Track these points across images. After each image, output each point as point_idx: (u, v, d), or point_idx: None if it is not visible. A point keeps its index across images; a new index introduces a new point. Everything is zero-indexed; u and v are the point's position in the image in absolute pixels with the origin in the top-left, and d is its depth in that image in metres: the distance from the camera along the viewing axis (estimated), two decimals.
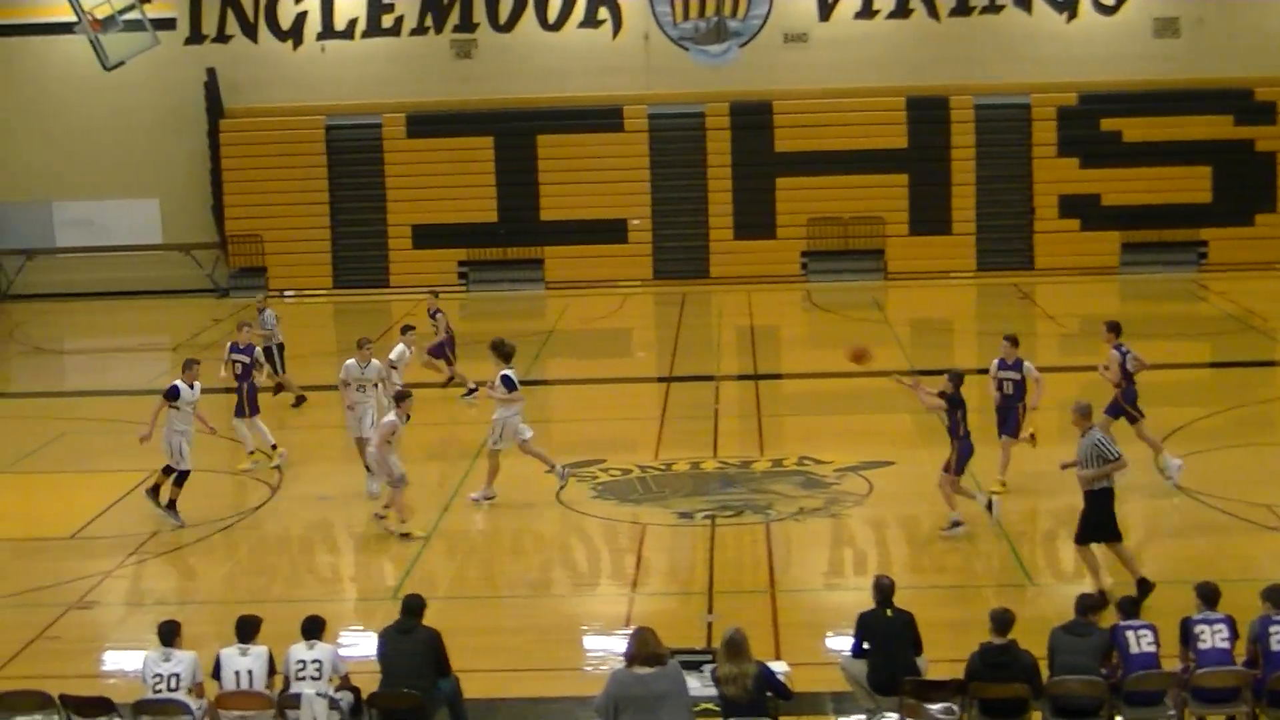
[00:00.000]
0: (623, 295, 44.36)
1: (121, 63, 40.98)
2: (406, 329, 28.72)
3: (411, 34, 46.62)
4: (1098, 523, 19.27)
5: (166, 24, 45.33)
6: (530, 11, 46.20)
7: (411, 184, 46.15)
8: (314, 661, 15.30)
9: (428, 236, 46.16)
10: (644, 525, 23.07)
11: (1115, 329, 24.36)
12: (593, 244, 45.56)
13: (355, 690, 15.49)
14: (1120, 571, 19.21)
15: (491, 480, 24.39)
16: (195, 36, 46.81)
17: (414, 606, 15.87)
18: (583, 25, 46.19)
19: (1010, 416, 23.47)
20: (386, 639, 15.77)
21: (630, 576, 21.47)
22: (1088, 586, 18.47)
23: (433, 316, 32.37)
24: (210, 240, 47.13)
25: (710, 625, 18.76)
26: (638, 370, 36.06)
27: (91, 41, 39.45)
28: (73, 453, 29.19)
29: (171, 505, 23.92)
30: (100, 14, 39.12)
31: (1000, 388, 23.70)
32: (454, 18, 46.44)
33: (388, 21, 46.63)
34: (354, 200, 46.53)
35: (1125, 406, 23.73)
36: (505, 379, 24.08)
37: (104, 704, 15.41)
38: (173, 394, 23.90)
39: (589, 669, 18.15)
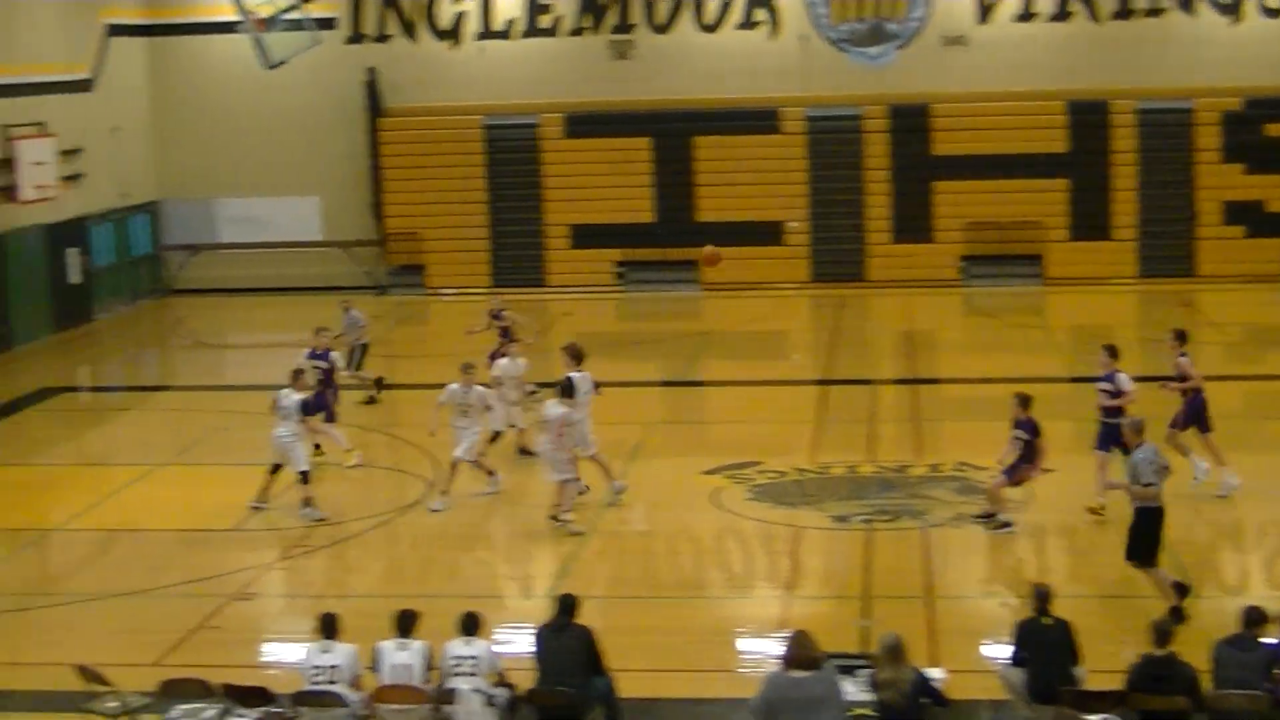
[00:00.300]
0: (779, 297, 44.25)
1: (283, 62, 41.38)
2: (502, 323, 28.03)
3: (570, 34, 46.75)
4: (1137, 542, 19.12)
5: (328, 24, 45.73)
6: (688, 12, 46.20)
7: (569, 184, 46.28)
8: (471, 657, 15.39)
9: (585, 236, 46.29)
10: (799, 528, 23.01)
11: (1182, 337, 23.95)
12: (749, 246, 45.45)
13: (511, 687, 15.57)
14: None
15: (610, 474, 24.63)
16: (356, 36, 47.25)
17: (567, 604, 15.93)
18: (740, 27, 46.11)
19: (1107, 431, 22.59)
20: (541, 637, 15.84)
21: (785, 579, 21.43)
22: (1252, 599, 18.20)
23: (497, 317, 31.31)
24: (369, 238, 47.53)
25: (865, 630, 18.67)
26: (794, 373, 35.96)
27: (254, 41, 39.86)
28: (234, 446, 29.56)
29: (308, 503, 24.25)
30: (263, 13, 39.52)
31: (1100, 400, 22.99)
32: (612, 18, 46.53)
33: (546, 22, 46.82)
34: (512, 199, 46.72)
35: (1193, 417, 23.19)
36: (565, 382, 23.99)
37: (264, 694, 15.59)
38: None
39: (743, 671, 18.11)
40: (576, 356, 24.91)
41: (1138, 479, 18.94)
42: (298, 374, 25.09)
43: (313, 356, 27.58)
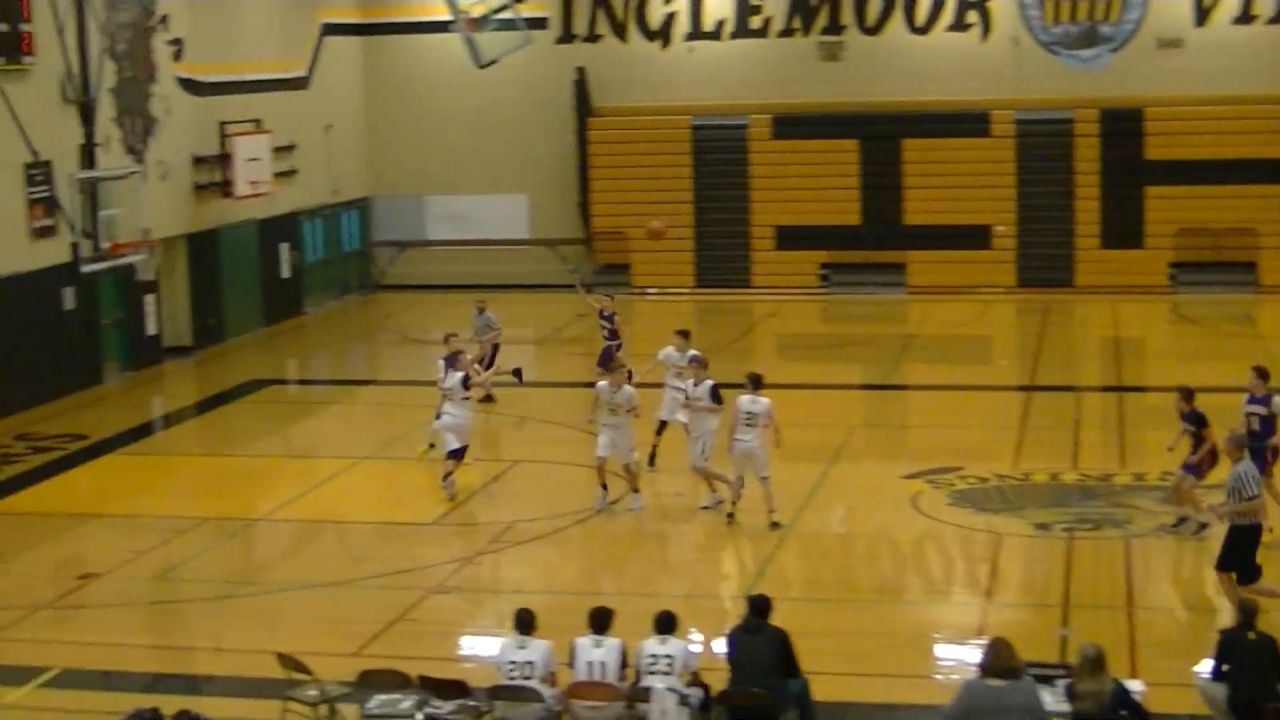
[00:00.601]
0: (985, 302, 43.85)
1: (494, 61, 41.73)
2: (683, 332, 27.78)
3: (779, 35, 46.67)
4: (1231, 557, 18.75)
5: (538, 23, 46.01)
6: (899, 14, 45.91)
7: (775, 185, 46.15)
8: (666, 656, 15.40)
9: (790, 238, 46.16)
10: (1000, 535, 22.80)
11: (1264, 375, 22.85)
12: (956, 249, 45.10)
13: (705, 687, 15.55)
14: None
15: (714, 486, 24.34)
16: (566, 36, 47.56)
17: (760, 606, 15.87)
18: (951, 28, 45.73)
19: (1258, 457, 21.39)
20: (735, 638, 15.80)
21: (984, 586, 21.23)
22: None
23: (608, 319, 31.07)
24: (576, 236, 47.81)
25: (1064, 639, 18.43)
26: (998, 378, 35.61)
27: (466, 40, 40.24)
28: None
29: (448, 476, 25.08)
30: (475, 13, 39.86)
31: (1248, 424, 22.15)
32: (822, 19, 46.37)
33: (756, 23, 46.77)
34: (718, 200, 46.72)
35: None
36: (714, 390, 23.84)
37: (460, 687, 15.71)
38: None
39: (939, 677, 18.00)
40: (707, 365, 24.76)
41: (1241, 493, 18.60)
42: (454, 356, 25.87)
43: (447, 361, 26.85)
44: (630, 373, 25.31)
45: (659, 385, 26.36)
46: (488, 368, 30.35)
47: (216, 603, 21.28)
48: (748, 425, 23.19)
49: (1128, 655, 17.97)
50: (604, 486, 24.41)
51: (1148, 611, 19.79)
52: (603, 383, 24.27)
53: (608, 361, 28.21)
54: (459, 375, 25.22)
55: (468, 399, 25.48)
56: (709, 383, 23.96)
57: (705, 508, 24.30)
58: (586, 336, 38.36)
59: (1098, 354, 38.00)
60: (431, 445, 27.37)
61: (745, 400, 23.28)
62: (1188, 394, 22.33)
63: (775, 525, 23.12)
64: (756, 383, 23.47)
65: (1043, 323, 40.82)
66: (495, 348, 32.06)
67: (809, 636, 16.90)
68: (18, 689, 18.14)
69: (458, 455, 25.19)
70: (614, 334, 30.62)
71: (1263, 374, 22.61)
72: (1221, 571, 18.95)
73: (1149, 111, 44.47)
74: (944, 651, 19.02)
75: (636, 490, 24.46)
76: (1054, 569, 21.48)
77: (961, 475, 25.76)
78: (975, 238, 45.18)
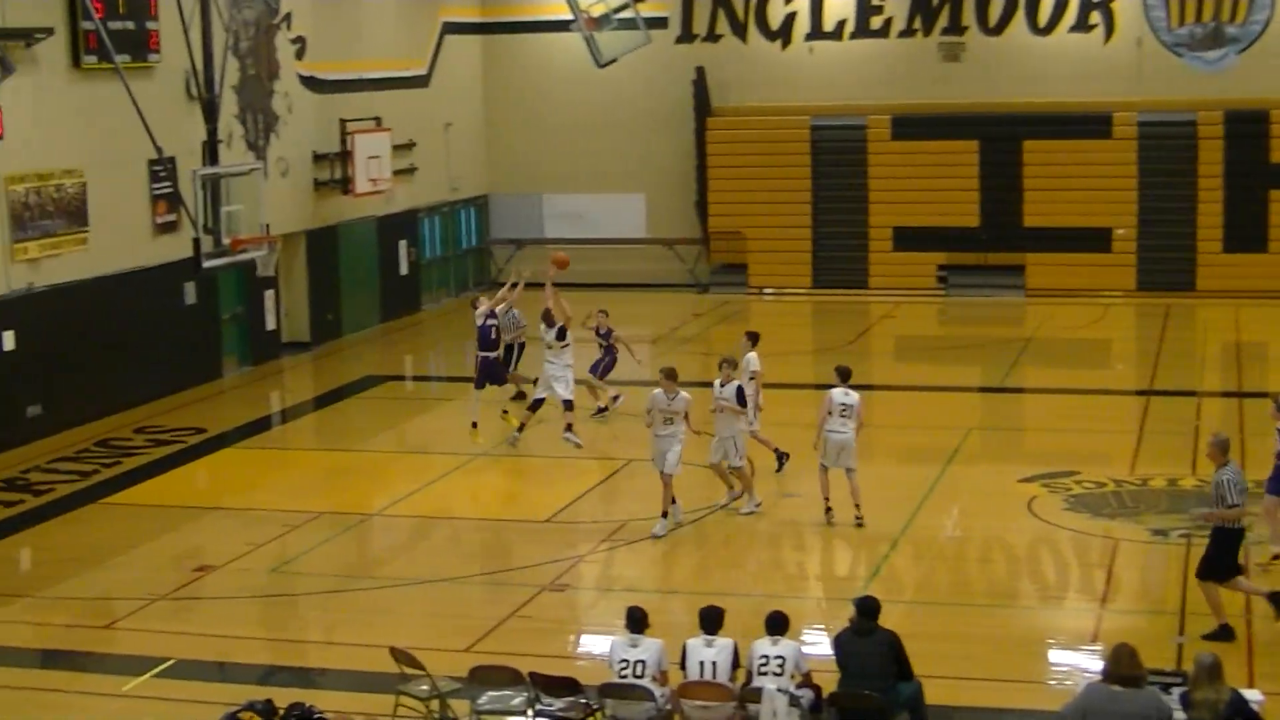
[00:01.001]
0: (1104, 305, 43.46)
1: (614, 60, 41.78)
2: (753, 336, 27.55)
3: (899, 36, 46.48)
4: (1213, 561, 18.71)
5: (658, 23, 46.00)
6: (1020, 14, 45.57)
7: (894, 186, 45.96)
8: (777, 657, 15.35)
9: (908, 239, 45.95)
10: (1116, 540, 22.60)
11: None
12: (1076, 252, 44.72)
13: (816, 689, 15.50)
14: None
15: (732, 485, 24.44)
16: (686, 35, 47.58)
17: (869, 608, 15.79)
18: (1074, 29, 45.35)
19: None
20: (845, 640, 15.75)
21: (1100, 592, 21.05)
22: None
23: (604, 336, 31.90)
24: (693, 236, 47.81)
25: (1180, 647, 18.25)
26: (1116, 382, 35.29)
27: (585, 39, 40.34)
28: (554, 439, 29.93)
29: (570, 428, 27.38)
30: (595, 12, 39.93)
31: None
32: (943, 20, 46.13)
33: (876, 23, 46.59)
34: (836, 201, 46.58)
35: None
36: (739, 391, 23.89)
37: (571, 684, 15.73)
38: None
39: (1052, 683, 17.86)
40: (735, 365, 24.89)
41: (1225, 500, 18.45)
42: (546, 311, 28.16)
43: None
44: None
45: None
46: (508, 364, 30.82)
47: (330, 596, 21.44)
48: (843, 417, 23.35)
49: (1245, 664, 17.77)
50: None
51: (1265, 620, 19.50)
52: (657, 391, 23.62)
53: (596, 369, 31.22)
54: (555, 328, 27.98)
55: (566, 347, 28.13)
56: (735, 384, 24.01)
57: (724, 506, 24.54)
58: (702, 335, 38.46)
59: (1218, 359, 37.57)
60: (475, 424, 29.02)
61: (839, 393, 23.42)
62: None
63: (860, 522, 23.26)
64: (845, 375, 23.68)
65: (1163, 327, 40.40)
66: (521, 346, 32.39)
67: (922, 640, 16.83)
68: (135, 678, 18.39)
69: (568, 406, 27.75)
70: (611, 349, 31.75)
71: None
72: (1204, 580, 18.81)
73: (1275, 114, 43.88)
74: (1057, 657, 18.88)
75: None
76: (1170, 575, 21.28)
77: (1078, 480, 25.56)
78: (1095, 240, 44.79)
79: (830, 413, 23.42)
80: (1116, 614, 20.18)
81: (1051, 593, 21.50)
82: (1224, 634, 18.48)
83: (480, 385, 29.60)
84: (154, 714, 17.51)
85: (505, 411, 29.83)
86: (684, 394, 23.56)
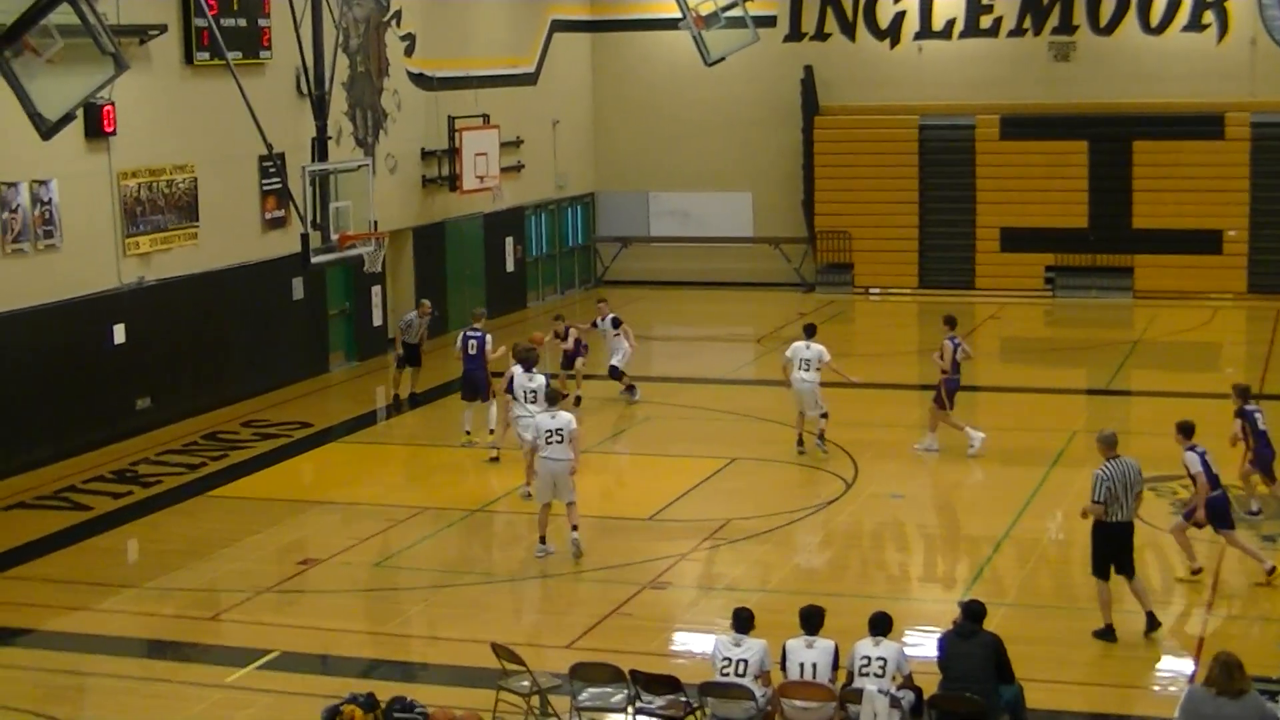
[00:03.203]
0: (1214, 308, 43.04)
1: (722, 58, 41.71)
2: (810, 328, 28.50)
3: (1009, 35, 46.22)
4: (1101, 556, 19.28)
5: (767, 21, 45.92)
6: (1132, 14, 45.20)
7: (1002, 186, 45.74)
8: (879, 658, 15.31)
9: (1015, 240, 45.69)
10: (1223, 545, 22.35)
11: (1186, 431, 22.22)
12: (1185, 254, 44.31)
13: (917, 690, 15.46)
14: None
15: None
16: (794, 34, 47.51)
17: (974, 611, 15.77)
18: (1186, 29, 44.94)
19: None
20: (947, 642, 15.71)
21: (1205, 597, 20.86)
22: None
23: (563, 338, 32.76)
24: (799, 235, 47.73)
25: None
26: (1225, 386, 34.80)
27: (694, 38, 40.33)
28: (656, 436, 29.98)
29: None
30: (704, 11, 39.91)
31: None
32: (1053, 20, 45.83)
33: (986, 23, 46.35)
34: (943, 201, 46.40)
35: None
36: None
37: (671, 682, 15.75)
38: None
39: (1155, 688, 17.72)
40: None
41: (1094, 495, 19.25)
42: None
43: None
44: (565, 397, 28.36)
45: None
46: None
47: (433, 591, 21.55)
48: (806, 370, 27.28)
49: None
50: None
51: None
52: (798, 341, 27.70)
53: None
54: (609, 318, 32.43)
55: (619, 335, 32.09)
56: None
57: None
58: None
59: None
60: (468, 432, 29.44)
61: (800, 346, 27.55)
62: None
63: (822, 442, 26.54)
64: (811, 332, 27.94)
65: (1273, 330, 39.92)
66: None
67: (1023, 643, 16.74)
68: (239, 669, 18.55)
69: (614, 374, 31.79)
70: (572, 355, 32.61)
71: None
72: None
73: None
74: (1161, 662, 18.71)
75: None
76: (1278, 581, 21.04)
77: (1185, 484, 25.26)
78: (1206, 242, 44.36)
79: (795, 365, 27.29)
80: (1222, 619, 20.01)
81: (1156, 597, 21.22)
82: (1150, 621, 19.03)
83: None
84: (257, 705, 17.67)
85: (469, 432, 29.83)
86: None
